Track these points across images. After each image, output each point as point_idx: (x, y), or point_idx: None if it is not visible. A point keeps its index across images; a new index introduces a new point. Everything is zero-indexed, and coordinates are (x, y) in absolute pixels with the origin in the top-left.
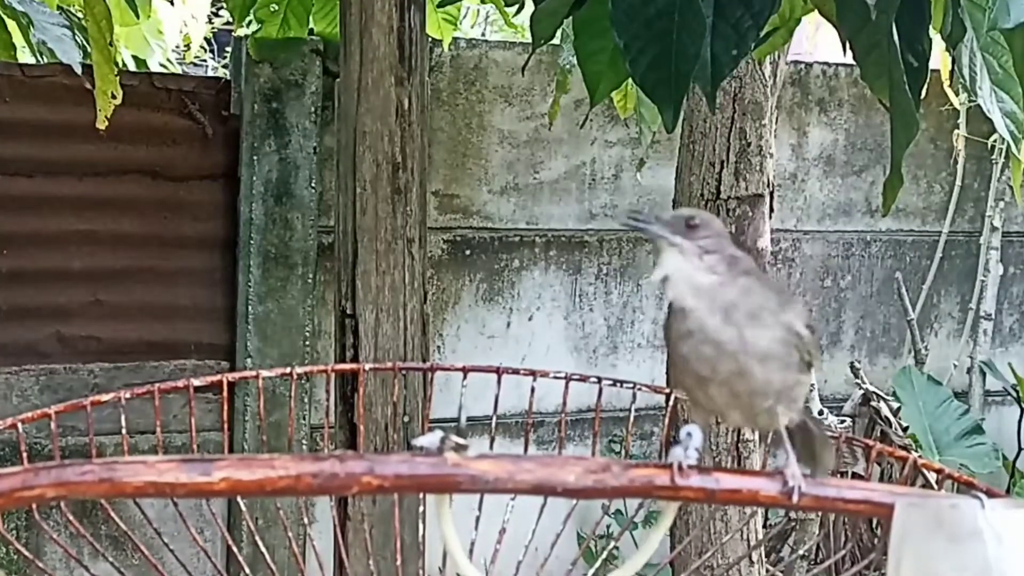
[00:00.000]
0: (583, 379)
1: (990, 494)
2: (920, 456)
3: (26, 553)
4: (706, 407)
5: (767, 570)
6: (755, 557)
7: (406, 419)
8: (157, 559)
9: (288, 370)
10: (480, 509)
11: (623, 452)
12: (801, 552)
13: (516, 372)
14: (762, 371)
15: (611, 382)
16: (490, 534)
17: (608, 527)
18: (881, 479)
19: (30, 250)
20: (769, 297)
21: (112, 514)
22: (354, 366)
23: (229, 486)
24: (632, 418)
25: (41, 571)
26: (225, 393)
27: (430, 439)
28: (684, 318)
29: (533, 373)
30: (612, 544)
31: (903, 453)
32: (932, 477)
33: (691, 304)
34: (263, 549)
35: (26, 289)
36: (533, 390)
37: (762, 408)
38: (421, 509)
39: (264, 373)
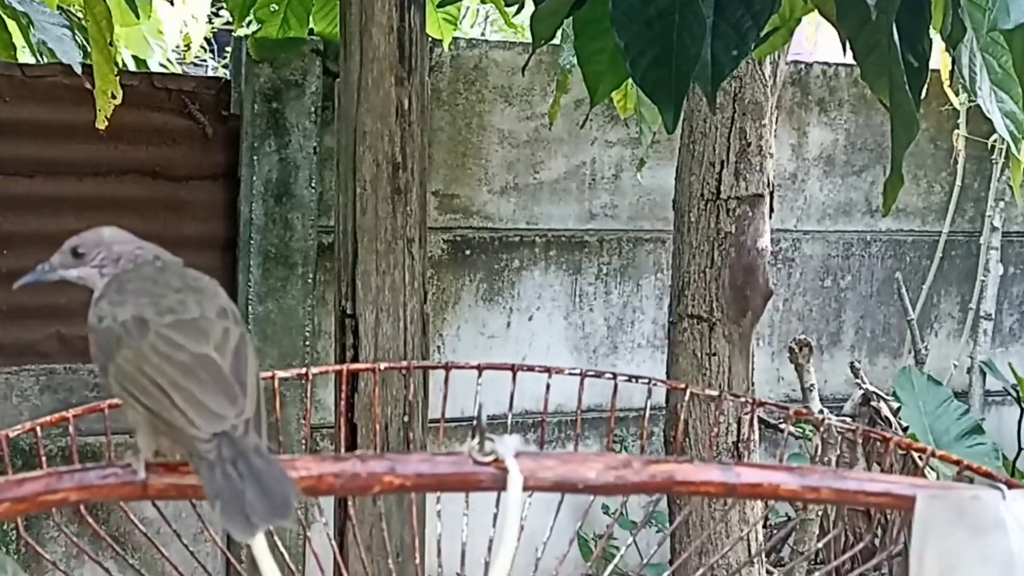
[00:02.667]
0: (598, 375)
1: (1010, 485)
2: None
3: (46, 556)
4: None
5: (767, 570)
6: (755, 557)
7: (405, 418)
8: (157, 559)
9: (304, 371)
10: (497, 507)
11: (623, 451)
12: (805, 554)
13: (531, 369)
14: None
15: (626, 378)
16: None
17: (608, 526)
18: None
19: (30, 250)
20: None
21: (131, 516)
22: (369, 366)
23: None
24: (647, 415)
25: (49, 568)
26: None
27: (498, 446)
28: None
29: (548, 370)
30: (617, 549)
31: (921, 445)
32: (943, 471)
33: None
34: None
35: (26, 289)
36: (548, 387)
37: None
38: (415, 509)
39: (280, 374)
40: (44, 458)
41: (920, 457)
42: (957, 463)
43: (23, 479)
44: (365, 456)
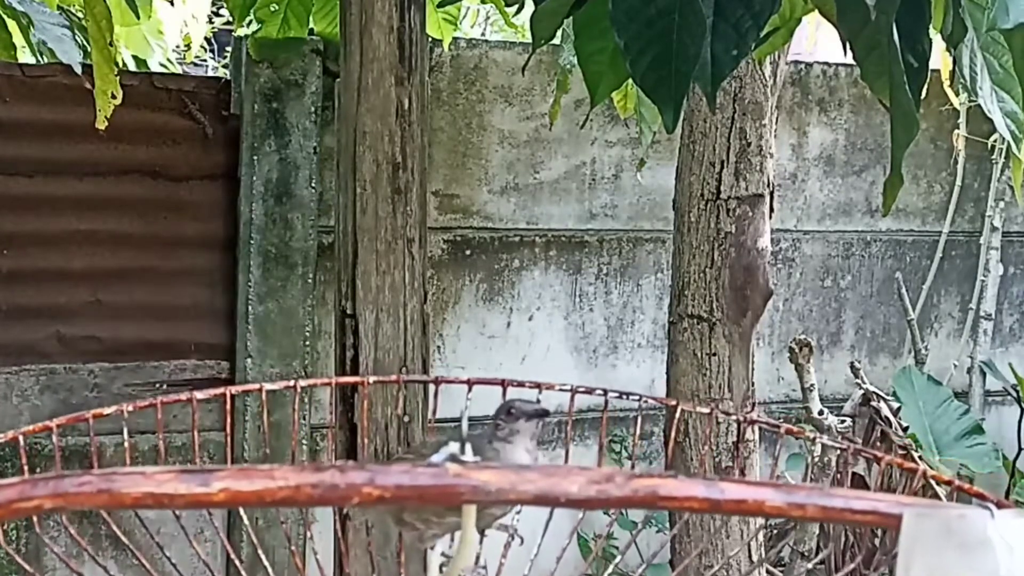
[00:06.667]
0: (589, 391)
1: (1000, 504)
2: (927, 466)
3: (26, 567)
4: None
5: (767, 571)
6: (755, 556)
7: (406, 419)
8: (156, 561)
9: (292, 383)
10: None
11: (622, 451)
12: (802, 550)
13: (521, 384)
14: None
15: (617, 394)
16: (493, 536)
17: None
18: (881, 480)
19: (30, 250)
20: None
21: (113, 526)
22: (357, 379)
23: (228, 497)
24: (638, 426)
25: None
26: (228, 405)
27: (441, 457)
28: None
29: (539, 386)
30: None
31: (912, 465)
32: (944, 472)
33: None
34: (260, 553)
35: (26, 289)
36: (539, 402)
37: None
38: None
39: (267, 386)
40: (26, 465)
41: (919, 475)
42: (948, 483)
43: None
44: (344, 466)
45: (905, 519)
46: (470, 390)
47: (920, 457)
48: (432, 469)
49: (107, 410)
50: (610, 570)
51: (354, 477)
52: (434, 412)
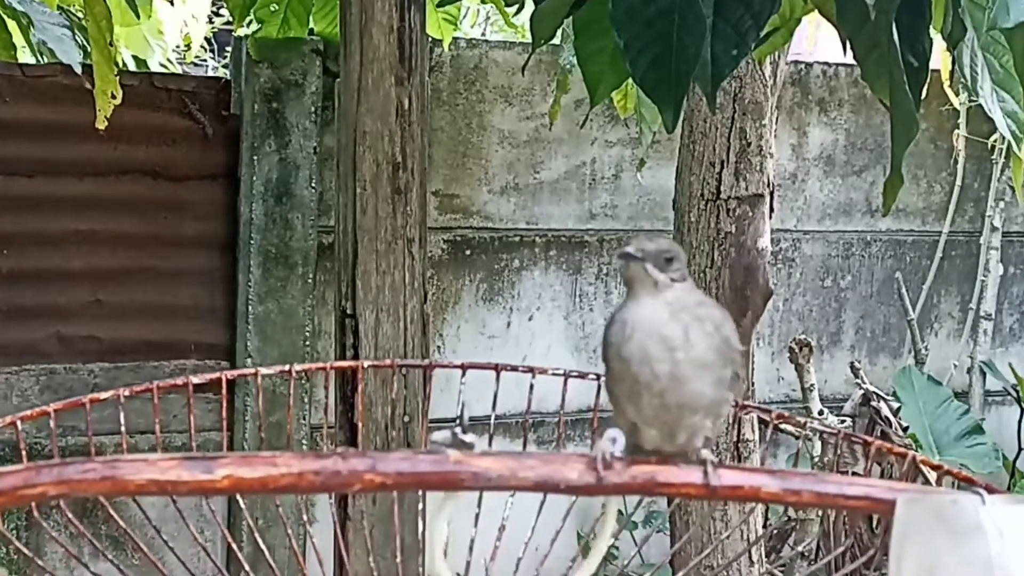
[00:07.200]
0: (582, 376)
1: (990, 490)
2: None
3: (25, 551)
4: (630, 419)
5: (767, 569)
6: (755, 556)
7: (406, 418)
8: (158, 559)
9: (287, 367)
10: (479, 506)
11: None
12: (801, 550)
13: (515, 369)
14: (697, 381)
15: None
16: (490, 531)
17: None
18: (882, 478)
19: (30, 250)
20: (714, 314)
21: (113, 513)
22: (352, 363)
23: (231, 484)
24: None
25: (41, 570)
26: (224, 391)
27: (443, 435)
28: (635, 320)
29: (532, 370)
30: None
31: (902, 450)
32: (931, 475)
33: (650, 309)
34: (263, 548)
35: (26, 289)
36: (532, 387)
37: (687, 423)
38: (420, 507)
39: (263, 370)
40: (25, 453)
41: (909, 460)
42: (936, 468)
43: (1, 473)
44: (346, 453)
45: (898, 504)
46: (464, 374)
47: (919, 453)
48: (433, 456)
49: (104, 395)
50: (597, 564)
51: (356, 464)
52: (427, 398)
